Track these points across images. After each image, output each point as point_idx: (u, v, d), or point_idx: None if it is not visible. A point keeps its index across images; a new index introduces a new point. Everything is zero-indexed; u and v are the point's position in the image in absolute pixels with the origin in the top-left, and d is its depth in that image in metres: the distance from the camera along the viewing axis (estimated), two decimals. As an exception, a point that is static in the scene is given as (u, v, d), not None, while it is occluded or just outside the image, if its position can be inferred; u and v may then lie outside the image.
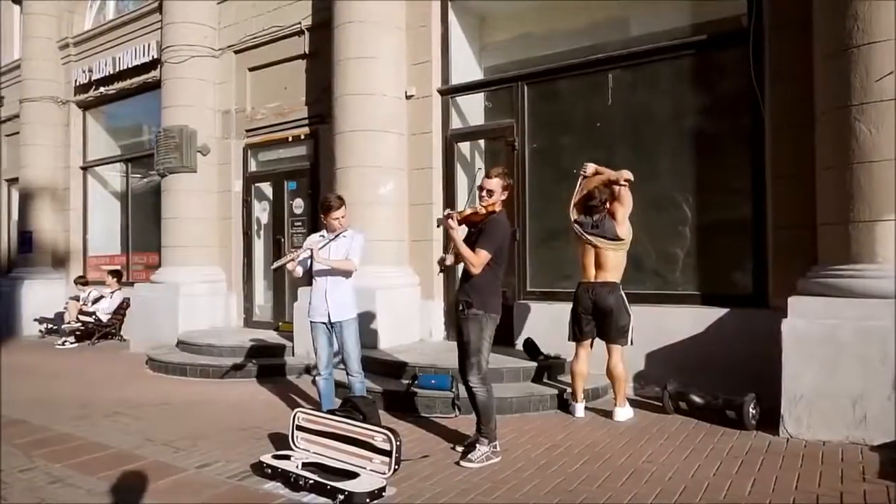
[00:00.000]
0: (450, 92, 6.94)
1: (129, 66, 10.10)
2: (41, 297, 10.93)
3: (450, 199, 6.85)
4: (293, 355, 6.92)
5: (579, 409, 4.87)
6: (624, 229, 4.73)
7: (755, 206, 5.21)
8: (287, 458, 3.62)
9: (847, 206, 4.22)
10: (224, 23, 8.84)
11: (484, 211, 3.83)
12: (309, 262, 4.48)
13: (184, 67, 8.62)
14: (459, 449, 4.00)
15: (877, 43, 4.07)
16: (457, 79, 6.99)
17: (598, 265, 4.76)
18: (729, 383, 4.81)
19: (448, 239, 3.90)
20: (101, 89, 10.73)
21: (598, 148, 6.01)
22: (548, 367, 5.50)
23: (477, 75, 7.18)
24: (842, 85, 4.24)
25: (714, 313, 5.19)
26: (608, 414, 4.81)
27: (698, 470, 3.61)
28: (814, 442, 4.03)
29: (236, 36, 8.68)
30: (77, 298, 9.91)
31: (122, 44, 10.34)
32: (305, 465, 3.55)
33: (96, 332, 9.62)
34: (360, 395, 4.39)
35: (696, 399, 4.70)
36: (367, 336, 6.30)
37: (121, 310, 9.77)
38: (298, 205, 8.11)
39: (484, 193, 3.86)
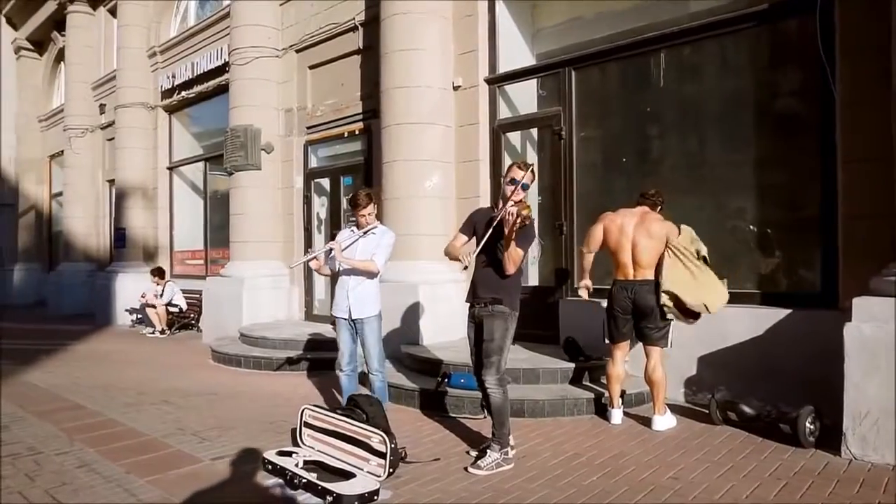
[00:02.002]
0: (497, 81, 6.70)
1: (205, 70, 10.63)
2: (133, 288, 11.74)
3: (497, 193, 6.61)
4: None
5: (616, 415, 4.53)
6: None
7: (824, 194, 4.60)
8: (290, 454, 3.59)
9: (928, 192, 3.62)
10: (286, 23, 9.06)
11: (527, 212, 3.54)
12: (336, 260, 4.42)
13: (249, 68, 8.91)
14: (474, 453, 3.81)
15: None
16: (505, 67, 6.74)
17: (637, 262, 4.39)
18: (791, 393, 4.30)
19: (505, 237, 3.52)
20: (183, 93, 11.36)
21: (649, 134, 5.58)
22: (588, 369, 5.17)
23: (529, 62, 6.88)
24: (923, 52, 3.64)
25: (775, 314, 4.64)
26: (648, 422, 4.44)
27: (729, 490, 3.22)
28: (882, 466, 3.50)
29: (297, 35, 8.86)
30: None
31: (199, 50, 10.89)
32: (307, 463, 3.50)
33: (175, 322, 10.23)
34: (379, 394, 4.31)
35: (747, 409, 4.22)
36: (409, 332, 6.25)
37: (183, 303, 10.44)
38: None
39: (519, 188, 3.58)
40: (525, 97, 6.78)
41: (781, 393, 4.37)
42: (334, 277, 4.67)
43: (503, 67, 6.72)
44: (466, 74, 6.76)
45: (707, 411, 4.52)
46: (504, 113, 6.79)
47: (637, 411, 4.74)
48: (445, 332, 6.33)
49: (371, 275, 4.47)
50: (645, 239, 4.33)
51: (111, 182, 13.58)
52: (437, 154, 6.68)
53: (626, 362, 4.70)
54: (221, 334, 8.50)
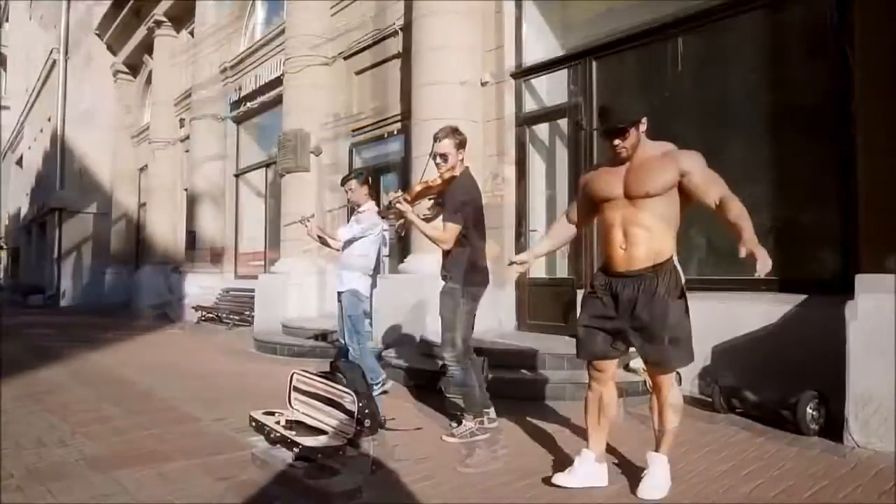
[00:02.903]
0: (522, 75, 6.75)
1: (267, 81, 11.29)
2: (200, 287, 12.53)
3: (522, 184, 6.65)
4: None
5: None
6: None
7: (844, 176, 4.32)
8: (273, 414, 3.77)
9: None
10: (336, 32, 9.50)
11: (440, 180, 3.61)
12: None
13: (300, 76, 9.43)
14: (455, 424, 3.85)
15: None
16: (532, 61, 6.78)
17: None
18: (807, 382, 4.03)
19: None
20: (248, 104, 12.10)
21: (668, 120, 5.42)
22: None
23: (556, 56, 6.88)
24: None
25: (792, 300, 4.38)
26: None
27: (706, 473, 3.04)
28: (885, 454, 3.24)
29: (345, 44, 9.27)
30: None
31: (262, 63, 11.59)
32: (289, 422, 3.66)
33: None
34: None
35: (750, 396, 4.02)
36: (428, 321, 6.33)
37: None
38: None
39: (439, 160, 3.65)
40: (552, 90, 6.77)
41: (798, 381, 4.10)
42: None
43: (529, 62, 6.76)
44: (494, 70, 6.85)
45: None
46: (531, 106, 6.82)
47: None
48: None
49: (355, 251, 4.77)
50: None
51: (186, 190, 14.59)
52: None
53: None
54: (269, 327, 8.93)
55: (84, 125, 19.92)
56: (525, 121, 6.75)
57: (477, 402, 3.67)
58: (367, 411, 3.42)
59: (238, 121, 12.79)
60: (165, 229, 15.39)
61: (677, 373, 4.85)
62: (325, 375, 3.77)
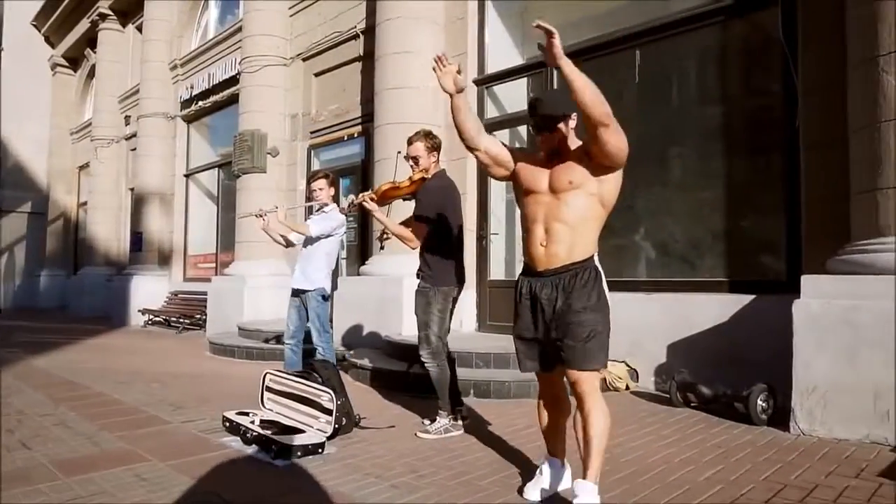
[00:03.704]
0: (484, 82, 6.92)
1: (220, 80, 11.10)
2: (147, 290, 12.16)
3: (483, 187, 6.80)
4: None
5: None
6: None
7: (788, 181, 4.67)
8: (247, 414, 3.76)
9: (875, 172, 3.67)
10: (294, 33, 9.45)
11: (409, 182, 3.70)
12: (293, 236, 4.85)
13: (258, 76, 9.32)
14: (427, 422, 3.93)
15: (905, -18, 3.55)
16: (495, 69, 6.95)
17: None
18: (758, 377, 4.31)
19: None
20: (200, 103, 11.85)
21: (626, 129, 5.68)
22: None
23: (517, 64, 7.08)
24: (870, 34, 3.72)
25: (742, 300, 4.67)
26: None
27: (662, 455, 3.27)
28: (828, 440, 3.51)
29: (304, 45, 9.24)
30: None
31: (215, 61, 11.38)
32: (263, 422, 3.66)
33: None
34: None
35: (704, 391, 4.26)
36: (393, 322, 6.40)
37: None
38: (351, 200, 8.42)
39: (411, 162, 3.76)
40: (513, 97, 6.96)
41: (748, 376, 4.38)
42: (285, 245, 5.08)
43: (492, 69, 6.94)
44: (456, 76, 6.98)
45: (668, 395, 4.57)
46: (492, 113, 6.99)
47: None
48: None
49: (311, 241, 4.78)
50: None
51: (132, 190, 14.11)
52: (426, 152, 6.88)
53: None
54: (222, 330, 8.76)
55: (19, 120, 18.96)
56: (487, 127, 6.87)
57: (451, 399, 3.76)
58: (345, 409, 3.47)
59: (189, 120, 12.50)
60: (108, 230, 14.83)
61: (634, 370, 5.13)
62: (300, 375, 3.79)
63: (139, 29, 14.23)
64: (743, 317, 4.62)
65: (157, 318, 11.62)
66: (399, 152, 3.83)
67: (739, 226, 5.08)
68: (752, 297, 4.60)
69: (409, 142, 3.77)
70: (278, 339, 7.03)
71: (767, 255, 4.90)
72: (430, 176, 3.74)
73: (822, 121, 4.39)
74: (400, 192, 3.73)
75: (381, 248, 3.78)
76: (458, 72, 2.58)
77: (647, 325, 5.05)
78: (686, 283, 5.13)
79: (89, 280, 14.57)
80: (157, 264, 12.52)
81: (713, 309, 4.80)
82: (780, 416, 3.86)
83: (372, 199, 3.70)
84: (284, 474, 3.03)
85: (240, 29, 10.43)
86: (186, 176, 12.59)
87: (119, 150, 14.89)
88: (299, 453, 3.20)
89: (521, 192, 2.69)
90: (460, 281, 3.85)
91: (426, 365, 3.75)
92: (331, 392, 3.44)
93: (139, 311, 11.79)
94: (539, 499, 2.64)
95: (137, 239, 12.51)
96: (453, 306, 3.85)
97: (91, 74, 17.06)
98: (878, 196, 3.65)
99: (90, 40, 16.31)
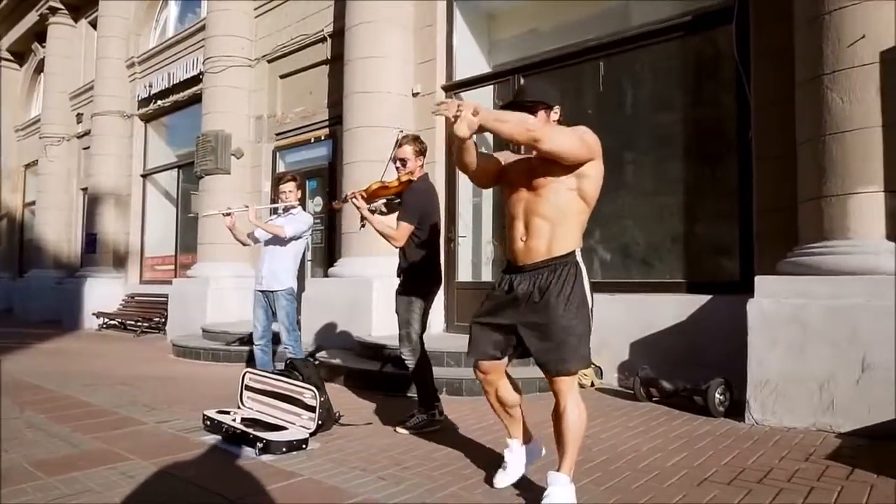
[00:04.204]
0: (453, 88, 7.07)
1: (181, 79, 10.93)
2: (102, 293, 11.84)
3: (452, 191, 6.95)
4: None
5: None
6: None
7: (742, 189, 4.99)
8: (228, 413, 3.80)
9: (821, 181, 3.99)
10: (259, 34, 9.42)
11: (397, 183, 3.84)
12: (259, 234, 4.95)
13: (222, 76, 9.23)
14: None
15: (846, 7, 3.87)
16: (462, 76, 7.12)
17: None
18: (714, 372, 4.58)
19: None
20: (159, 102, 11.63)
21: (590, 136, 5.95)
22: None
23: (486, 72, 7.27)
24: (815, 54, 4.04)
25: (699, 301, 4.96)
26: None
27: (631, 444, 3.48)
28: (779, 428, 3.78)
29: (270, 46, 9.21)
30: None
31: (175, 60, 11.21)
32: (244, 420, 3.71)
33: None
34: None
35: (666, 385, 4.52)
36: (363, 323, 6.48)
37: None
38: (318, 202, 8.47)
39: (398, 164, 3.91)
40: (482, 104, 7.13)
41: (705, 372, 4.66)
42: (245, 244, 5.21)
43: (459, 76, 7.11)
44: (425, 82, 7.13)
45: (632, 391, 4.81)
46: (460, 119, 7.14)
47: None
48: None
49: (283, 243, 4.85)
50: None
51: (85, 190, 13.71)
52: (395, 156, 7.00)
53: None
54: (184, 332, 8.65)
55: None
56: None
57: (430, 395, 3.89)
58: (326, 406, 3.55)
59: (147, 119, 12.25)
60: (58, 231, 14.35)
61: (599, 367, 5.36)
62: (281, 373, 3.85)
63: (93, 24, 13.86)
64: (700, 316, 4.90)
65: (113, 322, 11.33)
66: (394, 148, 3.96)
67: (696, 230, 5.38)
68: (709, 297, 4.89)
69: (399, 144, 3.93)
70: (242, 340, 7.01)
71: (722, 258, 5.21)
72: (415, 178, 3.89)
73: (773, 133, 4.71)
74: (388, 191, 3.86)
75: (361, 227, 3.87)
76: (475, 113, 2.32)
77: (612, 325, 5.27)
78: (647, 284, 5.41)
79: (37, 283, 14.05)
80: (113, 266, 12.20)
81: (673, 308, 5.07)
82: (736, 408, 4.13)
83: (362, 197, 3.81)
84: (273, 468, 3.09)
85: (202, 28, 10.31)
86: (144, 176, 12.32)
87: (70, 148, 14.43)
88: (284, 449, 3.27)
89: (504, 190, 2.72)
90: (438, 282, 3.99)
91: (406, 362, 3.86)
92: (314, 389, 3.52)
93: (93, 314, 11.46)
94: (506, 485, 2.74)
95: (92, 240, 12.17)
96: (431, 305, 3.99)
97: (39, 69, 16.47)
98: (823, 203, 3.97)
99: (38, 34, 15.75)
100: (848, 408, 3.62)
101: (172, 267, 11.49)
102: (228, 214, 4.89)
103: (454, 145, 2.48)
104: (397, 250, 4.00)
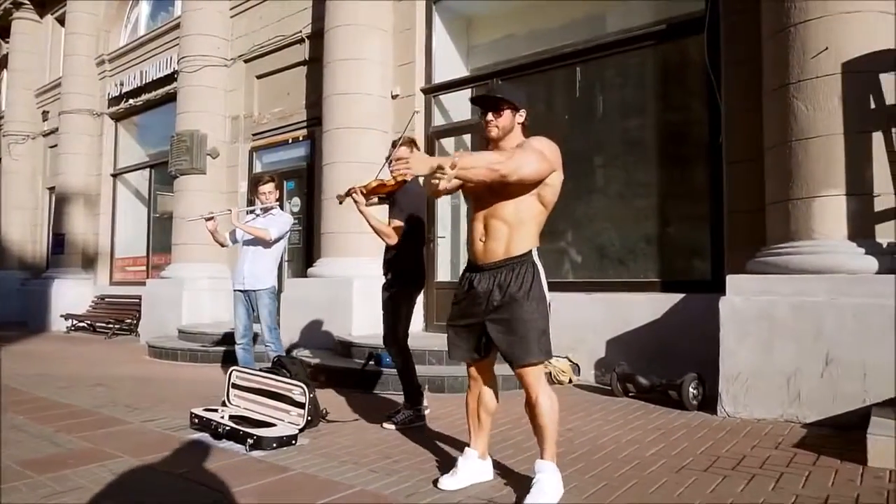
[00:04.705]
0: (432, 91, 7.17)
1: (154, 78, 10.80)
2: (70, 295, 11.60)
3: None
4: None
5: None
6: None
7: (713, 192, 5.20)
8: (216, 410, 3.82)
9: (787, 185, 4.20)
10: (235, 34, 9.38)
11: (394, 181, 3.93)
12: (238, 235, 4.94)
13: (197, 76, 9.17)
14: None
15: (811, 21, 4.08)
16: (441, 79, 7.22)
17: None
18: (688, 367, 4.76)
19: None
20: (131, 101, 11.46)
21: (565, 139, 6.08)
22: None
23: (464, 76, 7.39)
24: (782, 64, 4.25)
25: (672, 299, 5.15)
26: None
27: (611, 437, 3.62)
28: (749, 420, 3.97)
29: (246, 46, 9.18)
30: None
31: (149, 58, 11.07)
32: (232, 418, 3.74)
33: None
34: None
35: (642, 381, 4.68)
36: (343, 323, 6.53)
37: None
38: (295, 203, 8.47)
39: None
40: (459, 108, 7.26)
41: (679, 368, 4.83)
42: (223, 245, 5.20)
43: (438, 79, 7.21)
44: (404, 84, 7.22)
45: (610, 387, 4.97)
46: (440, 121, 7.25)
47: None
48: (379, 324, 6.61)
49: (266, 244, 4.86)
50: None
51: (51, 189, 13.41)
52: (374, 157, 7.02)
53: None
54: (158, 333, 8.55)
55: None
56: (434, 134, 7.17)
57: (415, 391, 3.98)
58: (314, 403, 3.61)
59: (117, 118, 12.05)
60: (22, 231, 14.00)
61: (576, 364, 5.51)
62: (269, 371, 3.89)
63: (60, 21, 13.58)
64: (674, 313, 5.09)
65: (82, 324, 11.11)
66: (391, 149, 4.04)
67: (670, 231, 5.58)
68: (682, 295, 5.08)
69: (395, 144, 4.02)
70: (217, 341, 6.97)
71: (695, 258, 5.41)
72: (409, 179, 3.97)
73: (742, 139, 4.93)
74: (385, 189, 3.90)
75: (340, 203, 3.95)
76: (453, 167, 2.33)
77: (589, 323, 5.45)
78: (623, 283, 5.58)
79: (2, 284, 13.67)
80: (81, 267, 11.96)
81: (647, 307, 5.25)
82: (709, 402, 4.31)
83: (362, 193, 3.87)
84: (265, 464, 3.14)
85: (176, 26, 10.22)
86: (114, 176, 12.11)
87: (35, 146, 14.09)
88: (274, 445, 3.32)
89: (466, 192, 2.74)
90: (422, 282, 4.09)
91: (394, 359, 3.94)
92: (303, 386, 3.57)
93: (62, 316, 11.22)
94: (451, 489, 2.71)
95: (60, 241, 11.91)
96: (415, 304, 4.08)
97: (2, 65, 16.03)
98: (790, 206, 4.18)
99: (2, 29, 15.34)
100: (813, 400, 3.83)
101: (144, 268, 11.32)
102: (211, 219, 4.88)
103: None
104: (379, 250, 4.09)
